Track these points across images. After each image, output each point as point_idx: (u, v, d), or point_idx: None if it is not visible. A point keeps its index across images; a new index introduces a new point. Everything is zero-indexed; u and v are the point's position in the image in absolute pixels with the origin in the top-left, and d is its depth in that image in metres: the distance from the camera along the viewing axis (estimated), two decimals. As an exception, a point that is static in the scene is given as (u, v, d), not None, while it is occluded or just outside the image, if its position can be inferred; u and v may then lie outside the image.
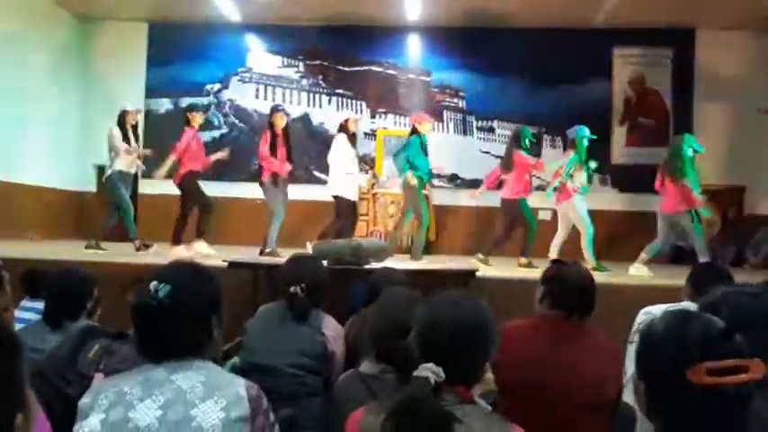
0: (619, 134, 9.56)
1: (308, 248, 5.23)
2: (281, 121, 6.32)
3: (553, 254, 6.06)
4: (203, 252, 6.05)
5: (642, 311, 2.63)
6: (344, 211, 6.56)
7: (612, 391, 2.08)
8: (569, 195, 6.12)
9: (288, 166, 6.34)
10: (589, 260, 6.01)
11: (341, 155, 6.55)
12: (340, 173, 6.54)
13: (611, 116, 9.58)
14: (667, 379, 1.06)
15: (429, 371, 1.22)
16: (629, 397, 2.24)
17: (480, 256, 6.12)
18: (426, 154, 6.31)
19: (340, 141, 6.59)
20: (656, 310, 2.56)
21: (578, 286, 2.21)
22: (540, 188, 7.11)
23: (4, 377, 0.68)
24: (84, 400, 1.41)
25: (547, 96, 9.37)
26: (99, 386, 1.47)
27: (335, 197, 6.54)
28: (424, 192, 8.75)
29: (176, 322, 1.44)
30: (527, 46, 9.35)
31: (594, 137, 6.30)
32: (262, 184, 6.33)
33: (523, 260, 6.08)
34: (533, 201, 6.37)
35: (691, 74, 9.42)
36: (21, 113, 8.50)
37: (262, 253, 6.09)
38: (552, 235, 6.33)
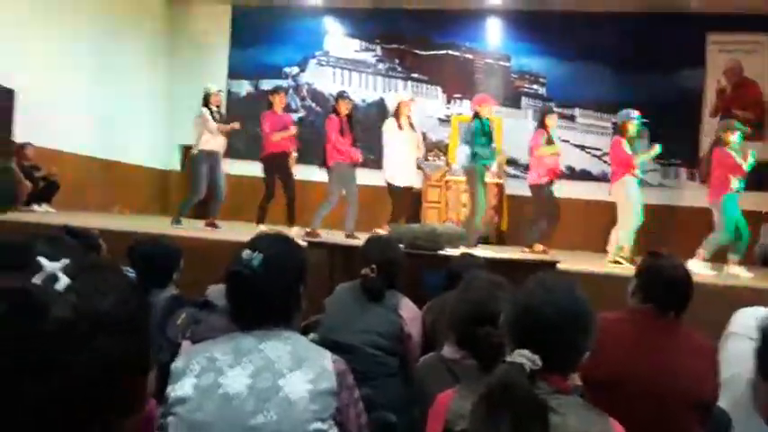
0: (710, 126, 8.98)
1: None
2: (345, 108, 6.30)
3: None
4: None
5: (757, 310, 2.44)
6: (396, 197, 6.45)
7: (707, 391, 1.96)
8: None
9: (358, 153, 6.32)
10: (612, 249, 5.77)
11: (388, 140, 6.40)
12: (389, 159, 6.40)
13: (702, 107, 9.05)
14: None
15: (524, 357, 1.18)
16: (723, 401, 2.12)
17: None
18: (490, 138, 6.16)
19: (387, 126, 6.43)
20: None
21: (672, 281, 2.09)
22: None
23: (145, 331, 0.70)
24: (177, 365, 1.45)
25: (633, 85, 8.91)
26: (191, 351, 1.51)
27: (388, 184, 6.43)
28: (499, 180, 8.70)
29: (269, 290, 1.46)
30: (613, 32, 8.96)
31: (644, 119, 6.15)
32: (327, 168, 6.32)
33: (540, 247, 6.10)
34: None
35: (794, 63, 8.76)
36: (112, 94, 8.95)
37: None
38: (606, 228, 6.06)
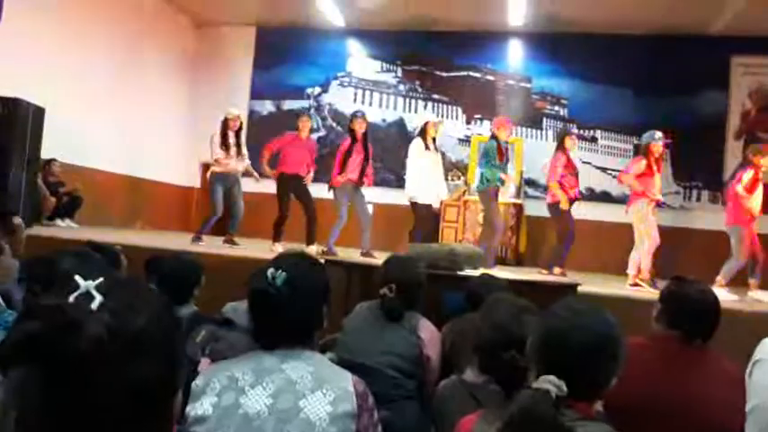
0: (734, 149, 8.88)
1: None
2: (359, 127, 6.35)
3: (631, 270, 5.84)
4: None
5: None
6: (421, 217, 6.45)
7: (734, 419, 1.90)
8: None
9: (343, 177, 6.27)
10: (631, 272, 5.78)
11: (414, 159, 6.43)
12: (414, 177, 6.41)
13: (726, 130, 8.95)
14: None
15: (550, 383, 1.15)
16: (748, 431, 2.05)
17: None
18: (504, 159, 6.19)
19: (414, 145, 6.47)
20: None
21: (700, 307, 2.05)
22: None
23: (177, 349, 0.70)
24: (197, 383, 1.44)
25: (655, 107, 8.84)
26: (211, 370, 1.50)
27: (411, 203, 6.43)
28: (517, 200, 8.66)
29: (292, 309, 1.46)
30: (635, 54, 8.94)
31: (668, 140, 6.05)
32: (330, 187, 6.37)
33: (558, 270, 6.11)
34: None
35: (820, 86, 8.64)
36: (137, 112, 9.11)
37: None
38: (625, 250, 6.01)
